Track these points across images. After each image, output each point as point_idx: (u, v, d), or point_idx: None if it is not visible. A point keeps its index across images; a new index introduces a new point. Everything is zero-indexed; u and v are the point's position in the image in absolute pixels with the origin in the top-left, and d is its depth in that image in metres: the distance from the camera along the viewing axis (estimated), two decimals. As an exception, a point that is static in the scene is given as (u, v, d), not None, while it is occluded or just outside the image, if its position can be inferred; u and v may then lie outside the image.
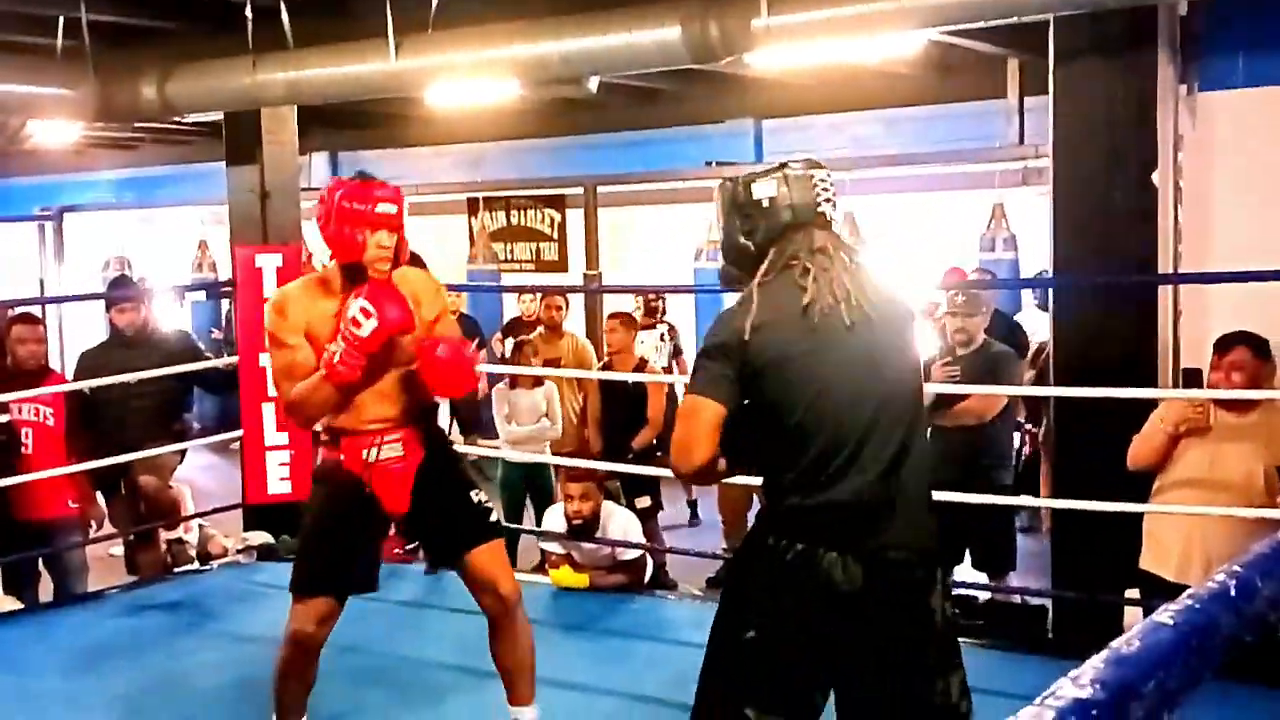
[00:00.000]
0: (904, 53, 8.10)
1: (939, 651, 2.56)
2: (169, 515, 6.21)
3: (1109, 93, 4.87)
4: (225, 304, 11.21)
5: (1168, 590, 4.32)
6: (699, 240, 10.26)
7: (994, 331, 5.93)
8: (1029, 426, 7.55)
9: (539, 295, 8.52)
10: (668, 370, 8.69)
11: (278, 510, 6.17)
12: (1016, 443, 6.67)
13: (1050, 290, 5.73)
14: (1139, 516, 4.54)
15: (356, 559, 3.47)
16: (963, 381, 5.36)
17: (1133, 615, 4.65)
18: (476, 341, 8.33)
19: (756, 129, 10.69)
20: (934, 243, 9.43)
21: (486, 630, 3.55)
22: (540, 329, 7.99)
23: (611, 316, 7.38)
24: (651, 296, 9.01)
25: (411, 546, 5.37)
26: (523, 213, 12.00)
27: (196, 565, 6.26)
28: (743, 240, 2.66)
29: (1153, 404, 4.58)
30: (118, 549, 6.77)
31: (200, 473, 8.74)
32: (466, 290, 10.32)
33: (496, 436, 7.69)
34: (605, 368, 7.24)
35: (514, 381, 7.13)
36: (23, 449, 5.81)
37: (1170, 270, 5.24)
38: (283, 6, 6.38)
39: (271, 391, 5.75)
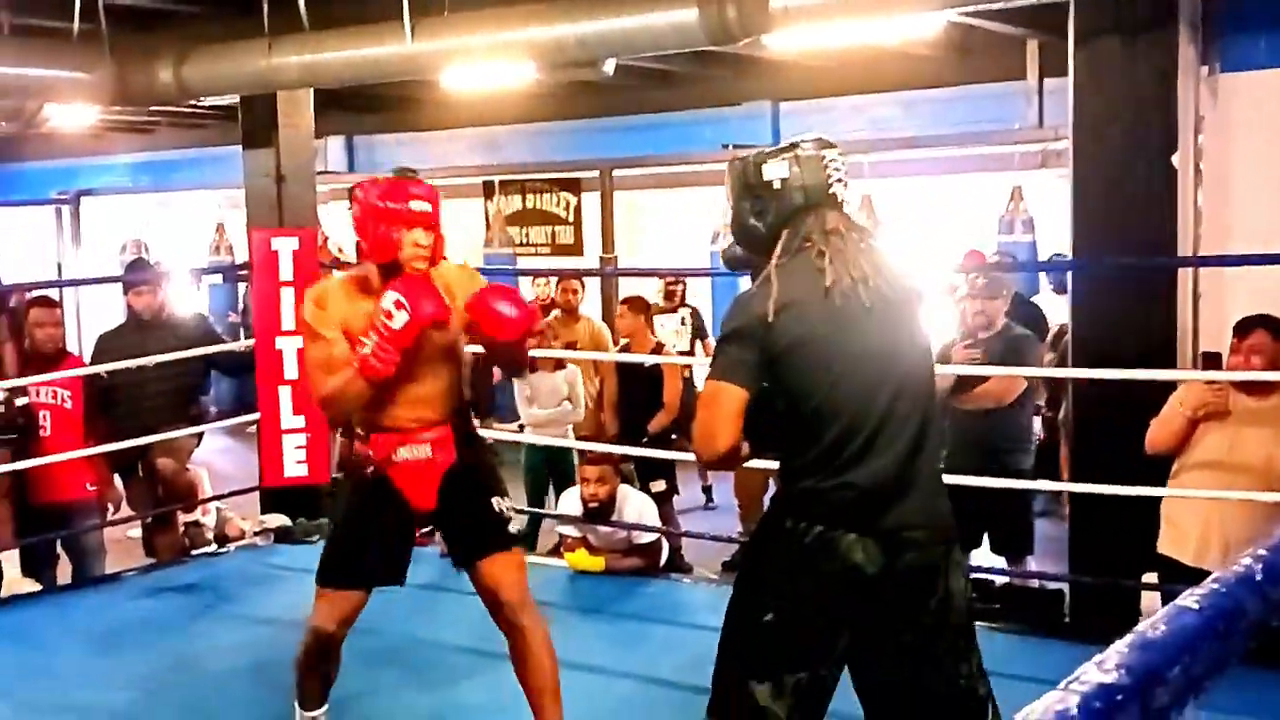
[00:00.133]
0: (923, 34, 8.08)
1: (956, 633, 2.56)
2: (186, 498, 6.23)
3: (1129, 74, 4.83)
4: (242, 287, 11.22)
5: (1185, 574, 4.30)
6: (715, 223, 10.22)
7: (1014, 315, 5.91)
8: (1046, 411, 7.52)
9: (552, 279, 8.50)
10: (689, 355, 8.64)
11: (294, 493, 6.19)
12: (1036, 427, 6.64)
13: (1069, 273, 5.69)
14: (1157, 500, 4.52)
15: (382, 554, 3.43)
16: (983, 365, 5.34)
17: (1150, 599, 4.64)
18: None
19: (774, 111, 10.64)
20: (952, 225, 9.38)
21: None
22: (556, 313, 7.98)
23: (622, 302, 7.37)
24: (671, 280, 8.97)
25: (426, 530, 5.38)
26: (538, 196, 11.99)
27: (214, 547, 6.28)
28: (753, 222, 2.63)
29: (1171, 387, 4.55)
30: (135, 531, 6.80)
31: (217, 455, 8.77)
32: (482, 274, 10.28)
33: (511, 419, 7.70)
34: (622, 352, 7.22)
35: (534, 365, 7.12)
36: (41, 432, 5.83)
37: (1190, 253, 5.21)
38: (298, -11, 6.38)
39: (288, 374, 5.77)
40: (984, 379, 5.39)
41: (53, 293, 7.52)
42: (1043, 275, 8.77)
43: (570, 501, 5.77)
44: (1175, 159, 4.82)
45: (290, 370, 5.78)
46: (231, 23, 6.98)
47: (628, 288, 9.20)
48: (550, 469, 7.07)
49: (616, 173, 10.75)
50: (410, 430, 3.36)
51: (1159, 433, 4.50)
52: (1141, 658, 0.97)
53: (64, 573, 6.04)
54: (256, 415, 6.03)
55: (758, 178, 2.62)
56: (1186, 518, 4.47)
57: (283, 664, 3.64)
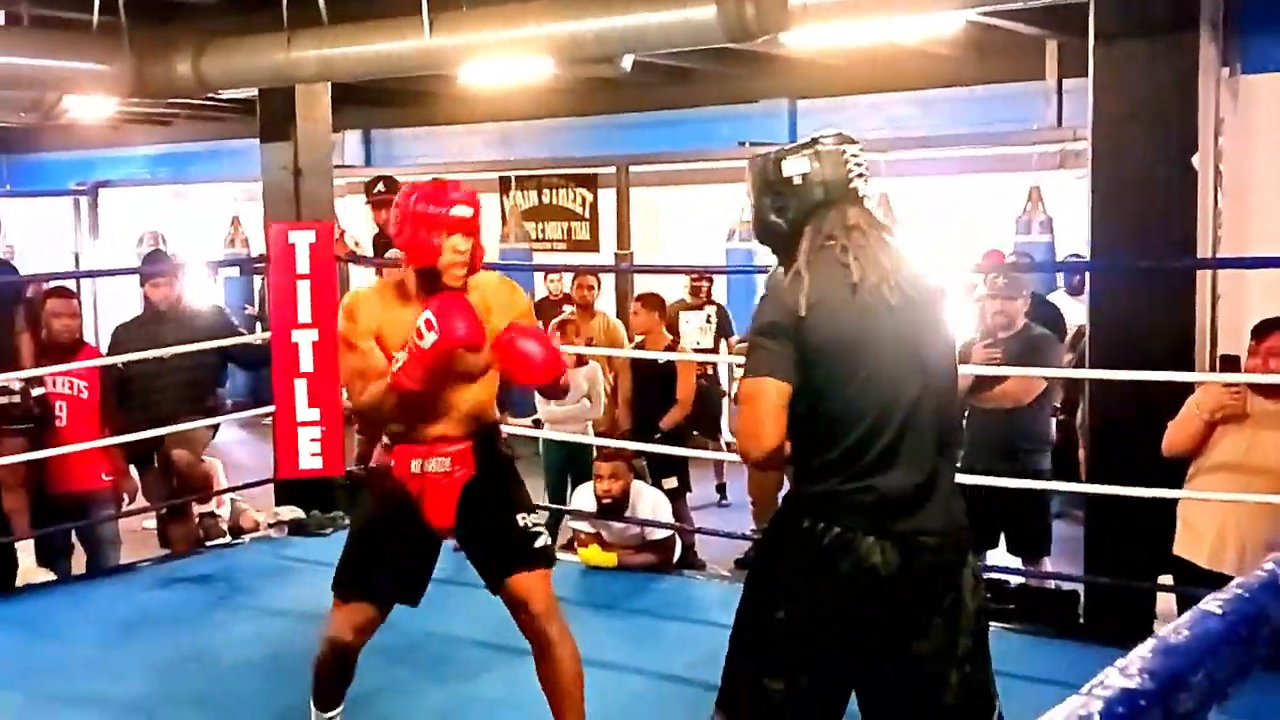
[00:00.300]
0: (942, 33, 8.06)
1: (970, 635, 2.55)
2: (201, 489, 6.24)
3: (1149, 75, 4.80)
4: (258, 280, 11.25)
5: (1201, 577, 4.29)
6: (731, 220, 10.22)
7: (1033, 315, 5.89)
8: (1060, 415, 7.48)
9: (565, 275, 8.47)
10: (713, 352, 8.60)
11: (309, 485, 6.21)
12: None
13: (1086, 275, 5.67)
14: (1173, 502, 4.50)
15: (393, 571, 3.41)
16: (1003, 365, 5.32)
17: (1165, 602, 4.62)
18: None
19: (791, 109, 10.62)
20: (970, 225, 9.35)
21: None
22: (570, 309, 7.97)
23: (636, 299, 7.35)
24: (696, 277, 8.94)
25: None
26: (554, 192, 11.99)
27: (228, 539, 6.29)
28: (774, 218, 2.61)
29: (1189, 389, 4.53)
30: (150, 522, 6.81)
31: (233, 447, 8.79)
32: (498, 270, 10.29)
33: (525, 415, 7.70)
34: (637, 348, 7.21)
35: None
36: (57, 422, 5.85)
37: (1209, 255, 5.18)
38: (317, -17, 6.38)
39: (304, 367, 5.77)
40: (1003, 379, 5.38)
41: (70, 283, 7.54)
42: (1058, 276, 8.74)
43: (584, 497, 5.77)
44: (1195, 160, 4.80)
45: (306, 363, 5.79)
46: (250, 16, 7.00)
47: (643, 284, 9.19)
48: (569, 466, 7.06)
49: (633, 169, 10.75)
50: (433, 444, 3.34)
51: (1176, 435, 4.48)
52: (1164, 662, 0.97)
53: (79, 563, 6.07)
54: (272, 408, 6.04)
55: (778, 174, 2.60)
56: (1202, 520, 4.45)
57: (296, 656, 3.64)
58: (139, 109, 11.97)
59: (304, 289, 5.77)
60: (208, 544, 6.20)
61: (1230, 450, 4.38)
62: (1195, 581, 4.29)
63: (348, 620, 3.38)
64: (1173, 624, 1.04)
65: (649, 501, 5.63)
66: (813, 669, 2.50)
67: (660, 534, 5.62)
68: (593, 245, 11.72)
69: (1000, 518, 5.33)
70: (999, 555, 5.65)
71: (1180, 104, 4.80)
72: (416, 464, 3.35)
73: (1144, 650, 0.97)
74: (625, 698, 4.08)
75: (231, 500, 6.67)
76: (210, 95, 7.75)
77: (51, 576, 5.70)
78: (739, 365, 2.56)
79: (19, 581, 5.56)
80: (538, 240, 11.86)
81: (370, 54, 6.34)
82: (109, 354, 6.16)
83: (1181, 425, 4.47)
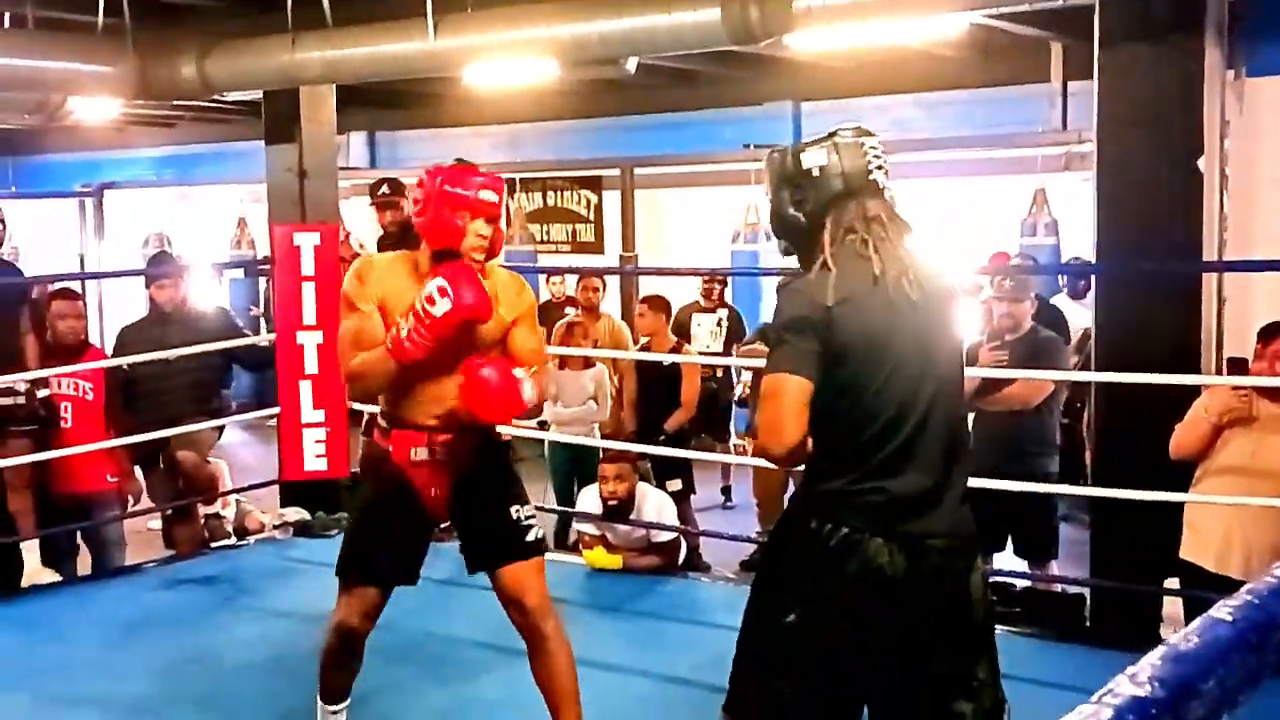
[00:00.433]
0: (946, 35, 8.05)
1: (976, 638, 2.54)
2: (206, 491, 6.25)
3: (1154, 77, 4.80)
4: (263, 281, 11.26)
5: (1207, 580, 4.28)
6: (736, 223, 10.22)
7: (1040, 318, 5.88)
8: (1063, 418, 7.45)
9: (568, 278, 8.46)
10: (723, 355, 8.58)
11: (314, 487, 6.21)
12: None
13: (1089, 278, 5.67)
14: (1180, 506, 4.49)
15: (393, 552, 3.41)
16: (1010, 367, 5.32)
17: (1171, 605, 4.61)
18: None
19: (795, 111, 10.62)
20: (975, 228, 9.34)
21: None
22: (573, 311, 7.97)
23: (642, 301, 7.34)
24: (708, 279, 8.92)
25: (444, 525, 5.38)
26: (559, 194, 11.99)
27: (233, 540, 6.29)
28: (792, 212, 2.58)
29: (1195, 393, 4.52)
30: (155, 523, 6.83)
31: (238, 449, 8.80)
32: (503, 268, 10.29)
33: (532, 416, 7.69)
34: (642, 351, 7.21)
35: (563, 362, 7.07)
36: (62, 423, 5.86)
37: (1215, 257, 5.17)
38: (323, -15, 6.39)
39: (309, 369, 5.78)
40: (1010, 381, 5.37)
41: (75, 285, 7.56)
42: (1060, 280, 8.73)
43: (589, 499, 5.77)
44: (1200, 163, 4.80)
45: (311, 365, 5.79)
46: (255, 18, 7.02)
47: (648, 286, 9.19)
48: (575, 468, 7.05)
49: (638, 171, 10.75)
50: (430, 429, 3.34)
51: (1183, 438, 4.47)
52: (1174, 670, 0.96)
53: (84, 564, 6.07)
54: (277, 409, 6.05)
55: (796, 167, 2.58)
56: (1209, 523, 4.44)
57: (301, 657, 3.64)
58: (144, 111, 11.97)
59: (309, 291, 5.78)
60: (212, 545, 6.20)
61: (1237, 453, 4.38)
62: (1201, 585, 4.29)
63: (355, 606, 3.39)
64: (1183, 631, 1.03)
65: (654, 504, 5.63)
66: (820, 670, 2.49)
67: (665, 536, 5.61)
68: (597, 247, 11.72)
69: (1006, 521, 5.32)
70: (1005, 558, 5.65)
71: (1185, 107, 4.79)
72: (414, 451, 3.34)
73: (1154, 658, 0.97)
74: (630, 700, 4.08)
75: (236, 501, 6.67)
76: (215, 97, 7.75)
77: (56, 577, 5.71)
78: (746, 369, 2.55)
79: (24, 582, 5.56)
80: (543, 242, 11.87)
81: (375, 56, 6.35)
82: (114, 355, 6.16)
83: (1189, 428, 4.46)
